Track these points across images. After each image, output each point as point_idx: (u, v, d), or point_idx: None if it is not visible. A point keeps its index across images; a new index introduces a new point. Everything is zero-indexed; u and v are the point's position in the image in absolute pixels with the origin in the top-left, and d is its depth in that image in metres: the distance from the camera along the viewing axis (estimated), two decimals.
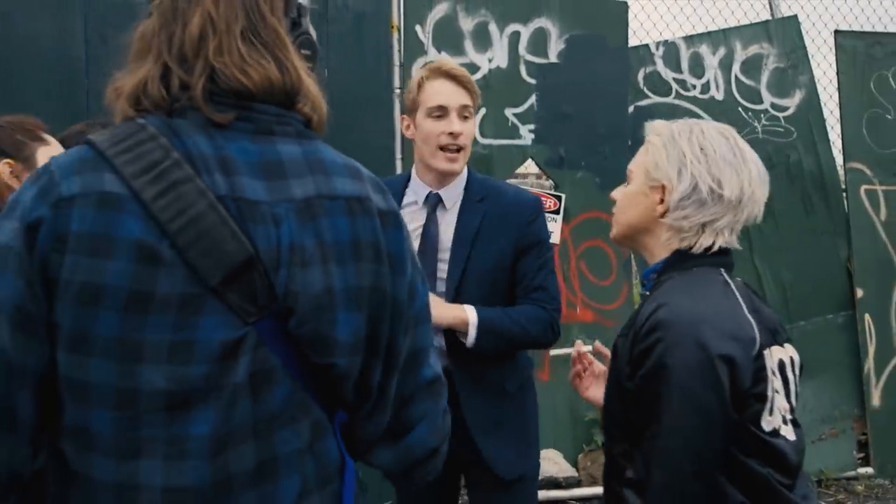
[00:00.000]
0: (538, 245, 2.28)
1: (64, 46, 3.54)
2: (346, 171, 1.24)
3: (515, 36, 4.20)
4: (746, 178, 1.58)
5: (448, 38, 4.09)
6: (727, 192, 1.56)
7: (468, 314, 2.16)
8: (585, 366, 1.94)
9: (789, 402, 1.55)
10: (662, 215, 1.62)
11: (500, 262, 2.23)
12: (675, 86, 4.49)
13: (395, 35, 4.03)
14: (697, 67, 4.53)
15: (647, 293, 1.64)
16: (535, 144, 4.24)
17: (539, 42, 4.23)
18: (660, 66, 4.48)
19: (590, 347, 1.96)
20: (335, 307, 1.16)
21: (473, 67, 4.11)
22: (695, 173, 1.57)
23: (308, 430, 1.18)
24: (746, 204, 1.59)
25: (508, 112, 4.19)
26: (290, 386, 1.16)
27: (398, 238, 1.25)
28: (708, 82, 4.54)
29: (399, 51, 4.02)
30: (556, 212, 4.17)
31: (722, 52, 4.55)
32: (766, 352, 1.49)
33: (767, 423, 1.49)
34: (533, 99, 4.22)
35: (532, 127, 4.22)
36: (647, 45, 4.47)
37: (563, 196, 4.21)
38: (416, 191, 2.32)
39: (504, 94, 4.17)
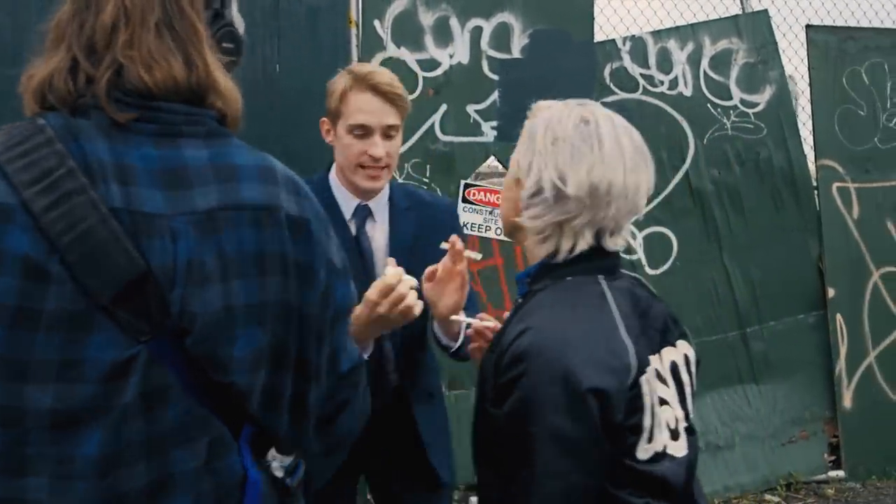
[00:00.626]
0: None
1: (19, 43, 3.47)
2: (258, 175, 1.19)
3: (477, 31, 4.10)
4: (601, 171, 1.40)
5: (407, 33, 3.98)
6: (571, 190, 1.40)
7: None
8: (484, 344, 1.82)
9: (684, 408, 1.44)
10: (520, 213, 1.49)
11: None
12: (642, 81, 4.38)
13: (353, 30, 3.91)
14: (665, 63, 4.42)
15: (521, 299, 1.52)
16: (498, 142, 4.14)
17: (502, 37, 4.13)
18: (627, 61, 4.36)
19: (491, 323, 1.85)
20: (235, 325, 1.14)
21: (434, 63, 4.02)
22: (540, 168, 1.43)
23: (205, 448, 1.15)
24: (613, 198, 1.41)
25: (470, 109, 4.09)
26: (187, 404, 1.13)
27: (307, 248, 1.21)
28: (676, 78, 4.43)
29: (357, 46, 3.92)
30: None
31: (690, 47, 4.45)
32: (643, 378, 1.36)
33: (644, 452, 1.37)
34: (495, 95, 4.12)
35: (494, 124, 4.12)
36: (613, 41, 4.37)
37: None
38: (342, 201, 2.20)
39: (465, 91, 4.07)
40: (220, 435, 1.17)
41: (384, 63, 3.89)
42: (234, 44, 1.27)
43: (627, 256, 4.33)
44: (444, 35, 4.05)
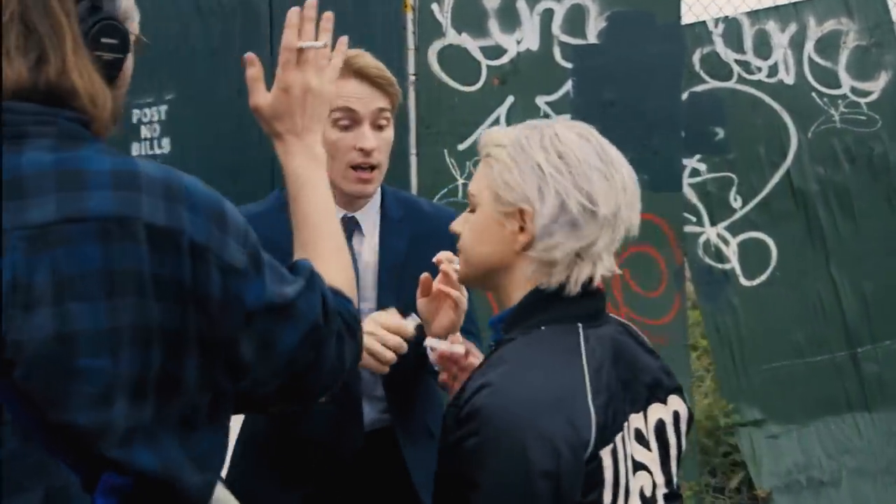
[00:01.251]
0: None
1: None
2: (112, 182, 1.10)
3: (548, 14, 3.82)
4: (620, 187, 1.37)
5: (469, 17, 3.73)
6: (602, 209, 1.34)
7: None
8: (458, 373, 1.71)
9: (666, 472, 1.39)
10: (526, 247, 1.38)
11: None
12: (737, 68, 4.16)
13: (409, 15, 3.69)
14: (763, 47, 4.19)
15: (493, 344, 1.46)
16: None
17: (576, 20, 3.84)
18: (719, 45, 4.16)
19: (459, 348, 1.69)
20: (76, 355, 1.06)
21: (499, 50, 3.77)
22: (559, 189, 1.34)
23: (40, 500, 1.07)
24: (623, 218, 1.38)
25: (540, 101, 3.82)
26: (19, 447, 1.06)
27: (178, 261, 1.11)
28: (776, 64, 4.20)
29: (414, 32, 3.69)
30: None
31: (793, 28, 4.21)
32: (605, 450, 1.29)
33: None
34: (569, 85, 3.84)
35: (568, 117, 3.80)
36: (703, 23, 4.18)
37: None
38: None
39: (535, 81, 3.80)
40: (63, 484, 1.08)
41: (444, 51, 3.68)
42: (116, 39, 1.20)
43: (720, 265, 4.10)
44: (510, 19, 3.79)
